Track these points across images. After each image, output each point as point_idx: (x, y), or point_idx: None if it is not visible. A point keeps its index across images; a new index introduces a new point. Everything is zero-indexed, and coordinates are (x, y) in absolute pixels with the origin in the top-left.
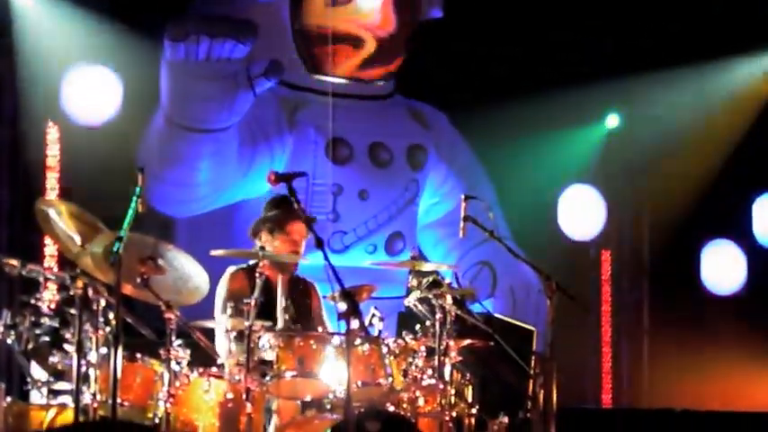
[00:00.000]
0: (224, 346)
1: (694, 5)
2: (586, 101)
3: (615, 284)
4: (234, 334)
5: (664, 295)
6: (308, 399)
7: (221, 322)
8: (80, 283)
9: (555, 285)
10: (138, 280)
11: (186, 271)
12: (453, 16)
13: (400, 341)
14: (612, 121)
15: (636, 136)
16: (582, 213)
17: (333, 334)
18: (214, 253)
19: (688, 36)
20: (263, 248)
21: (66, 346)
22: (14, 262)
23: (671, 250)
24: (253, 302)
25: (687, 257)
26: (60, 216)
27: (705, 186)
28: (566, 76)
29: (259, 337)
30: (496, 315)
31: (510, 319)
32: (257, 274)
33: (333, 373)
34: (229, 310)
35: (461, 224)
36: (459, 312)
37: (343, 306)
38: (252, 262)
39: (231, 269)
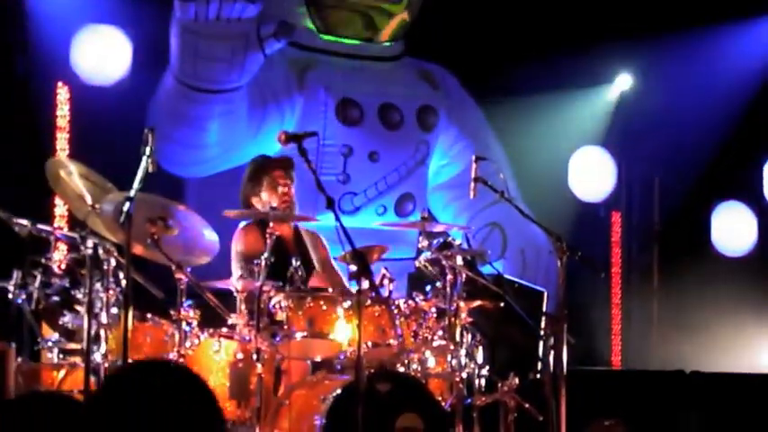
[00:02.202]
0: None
1: None
2: (598, 62)
3: (625, 246)
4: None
5: (674, 257)
6: (318, 359)
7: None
8: (90, 243)
9: (565, 246)
10: (149, 240)
11: (196, 231)
12: None
13: (411, 302)
14: (624, 82)
15: (647, 97)
16: (592, 175)
17: (343, 294)
18: (227, 213)
19: None
20: (274, 208)
21: (76, 307)
22: (25, 222)
23: (681, 211)
24: (263, 262)
25: (697, 219)
26: (71, 176)
27: (716, 148)
28: (577, 37)
29: (270, 298)
30: (507, 276)
31: (520, 281)
32: (268, 234)
33: (343, 334)
34: (239, 271)
35: (472, 185)
36: (469, 273)
37: (353, 267)
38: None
39: (242, 224)
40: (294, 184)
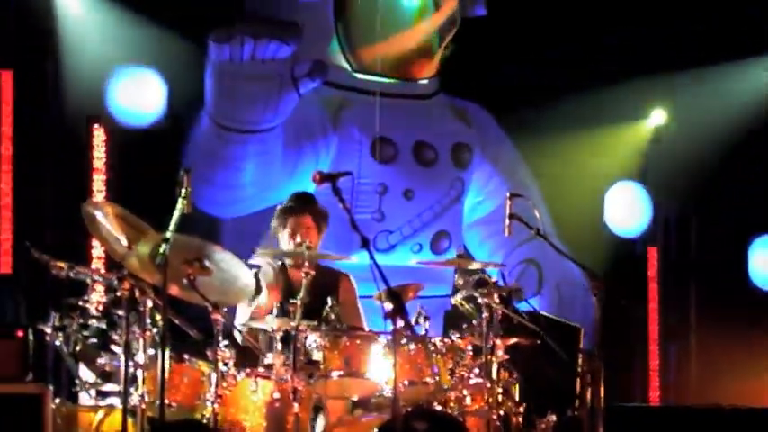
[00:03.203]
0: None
1: (740, 1)
2: (632, 97)
3: (662, 281)
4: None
5: (711, 292)
6: (354, 398)
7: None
8: (127, 285)
9: (601, 283)
10: (185, 281)
11: (232, 272)
12: (497, 13)
13: (447, 340)
14: (658, 117)
15: (682, 132)
16: (628, 210)
17: (379, 333)
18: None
19: (734, 31)
20: (309, 247)
21: (113, 348)
22: (62, 264)
23: (718, 246)
24: (299, 302)
25: (735, 254)
26: (107, 218)
27: (752, 182)
28: (611, 72)
29: (306, 338)
30: (543, 313)
31: (556, 317)
32: (303, 274)
33: (380, 373)
34: (275, 311)
35: (507, 222)
36: (505, 310)
37: (389, 305)
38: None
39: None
40: (322, 229)
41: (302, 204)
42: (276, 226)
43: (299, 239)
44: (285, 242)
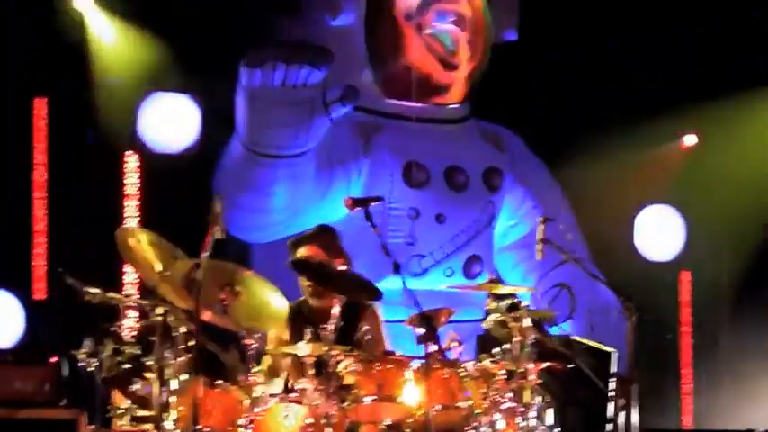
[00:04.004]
0: None
1: None
2: (664, 121)
3: (695, 305)
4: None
5: (743, 315)
6: (387, 423)
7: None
8: (160, 311)
9: (634, 307)
10: (218, 306)
11: (264, 297)
12: (528, 38)
13: (479, 364)
14: (690, 140)
15: (714, 156)
16: (660, 234)
17: (412, 358)
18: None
19: (765, 55)
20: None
21: (147, 374)
22: (95, 290)
23: (751, 270)
24: (332, 328)
25: (767, 276)
26: (139, 244)
27: None
28: (643, 96)
29: (338, 363)
30: (575, 337)
31: (589, 341)
32: (337, 300)
33: (412, 397)
34: (308, 336)
35: (538, 246)
36: (537, 335)
37: (421, 330)
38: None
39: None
40: (336, 255)
41: (307, 236)
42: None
43: (304, 285)
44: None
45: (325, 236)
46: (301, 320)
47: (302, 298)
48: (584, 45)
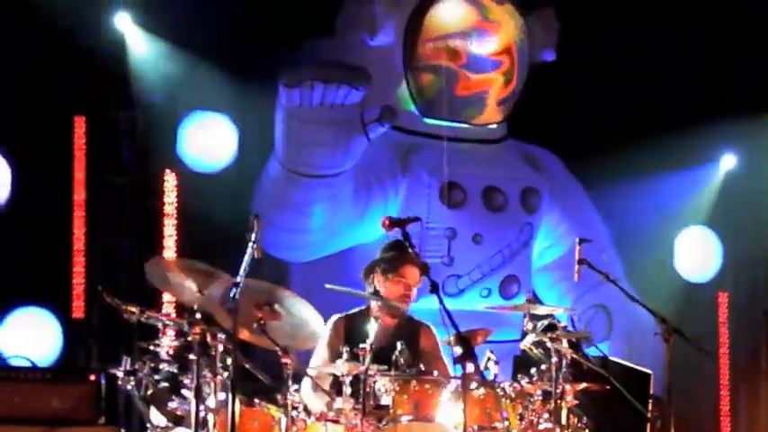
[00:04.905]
0: (308, 393)
1: None
2: (702, 142)
3: (732, 327)
4: (349, 379)
5: None
6: None
7: (314, 369)
8: (198, 329)
9: (671, 328)
10: (255, 325)
11: (302, 316)
12: (566, 58)
13: (516, 385)
14: (729, 162)
15: (753, 177)
16: (698, 255)
17: (448, 377)
18: (328, 287)
19: None
20: (376, 293)
21: (184, 392)
22: (134, 309)
23: None
24: (368, 347)
25: None
26: (171, 273)
27: None
28: (682, 117)
29: (375, 382)
30: (612, 358)
31: (626, 363)
32: (372, 318)
33: (449, 417)
34: (345, 355)
35: (576, 267)
36: (574, 356)
37: (458, 350)
38: (356, 309)
39: (333, 318)
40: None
41: (409, 255)
42: (380, 270)
43: (404, 292)
44: (384, 289)
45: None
46: (353, 336)
47: (351, 312)
48: (621, 64)
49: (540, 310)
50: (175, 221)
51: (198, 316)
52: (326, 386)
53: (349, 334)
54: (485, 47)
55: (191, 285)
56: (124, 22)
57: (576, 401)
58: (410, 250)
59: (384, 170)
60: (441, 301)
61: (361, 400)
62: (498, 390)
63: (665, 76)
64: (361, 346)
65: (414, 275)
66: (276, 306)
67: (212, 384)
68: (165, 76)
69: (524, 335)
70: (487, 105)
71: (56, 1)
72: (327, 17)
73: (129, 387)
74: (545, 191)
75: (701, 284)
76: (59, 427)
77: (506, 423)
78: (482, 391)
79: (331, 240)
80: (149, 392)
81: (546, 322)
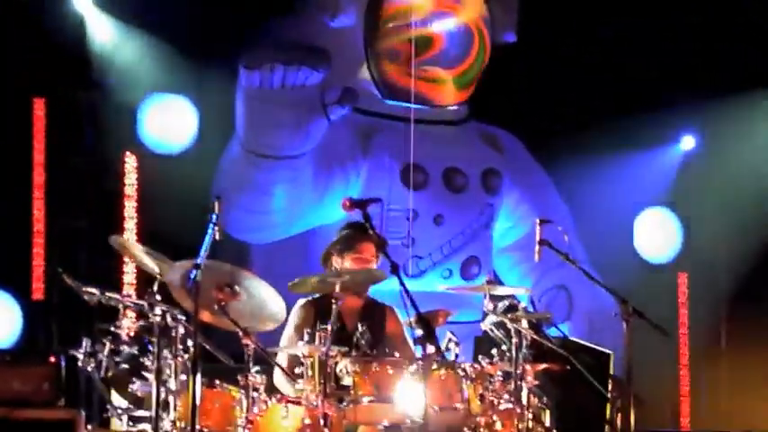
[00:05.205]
0: (280, 379)
1: None
2: (662, 123)
3: (692, 307)
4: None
5: (741, 316)
6: (385, 424)
7: (283, 352)
8: (158, 311)
9: (631, 309)
10: (216, 307)
11: (263, 297)
12: (526, 40)
13: (477, 365)
14: (688, 143)
15: (712, 158)
16: (658, 236)
17: (411, 359)
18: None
19: (765, 58)
20: (337, 271)
21: (145, 374)
22: (94, 290)
23: (748, 272)
24: (330, 328)
25: (765, 279)
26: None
27: None
28: (642, 98)
29: (336, 363)
30: (573, 339)
31: (587, 343)
32: (333, 300)
33: (410, 398)
34: (306, 337)
35: (536, 248)
36: (535, 336)
37: (419, 331)
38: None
39: (301, 301)
40: (378, 260)
41: (366, 232)
42: (339, 249)
43: (364, 265)
44: (346, 266)
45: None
46: (322, 320)
47: (317, 296)
48: (582, 45)
49: (501, 291)
50: (135, 203)
51: (158, 297)
52: (297, 370)
53: (318, 318)
54: (444, 25)
55: (153, 266)
56: (84, 4)
57: (537, 382)
58: (370, 231)
59: (345, 152)
60: (401, 283)
61: (322, 381)
62: (459, 370)
63: (626, 56)
64: (322, 327)
65: (370, 250)
66: (237, 287)
67: (173, 366)
68: (125, 57)
69: (485, 316)
70: (446, 88)
71: None
72: None
73: (89, 369)
74: (506, 172)
75: (660, 265)
76: (20, 408)
77: (467, 404)
78: (443, 371)
79: (292, 222)
80: (110, 374)
81: (506, 303)
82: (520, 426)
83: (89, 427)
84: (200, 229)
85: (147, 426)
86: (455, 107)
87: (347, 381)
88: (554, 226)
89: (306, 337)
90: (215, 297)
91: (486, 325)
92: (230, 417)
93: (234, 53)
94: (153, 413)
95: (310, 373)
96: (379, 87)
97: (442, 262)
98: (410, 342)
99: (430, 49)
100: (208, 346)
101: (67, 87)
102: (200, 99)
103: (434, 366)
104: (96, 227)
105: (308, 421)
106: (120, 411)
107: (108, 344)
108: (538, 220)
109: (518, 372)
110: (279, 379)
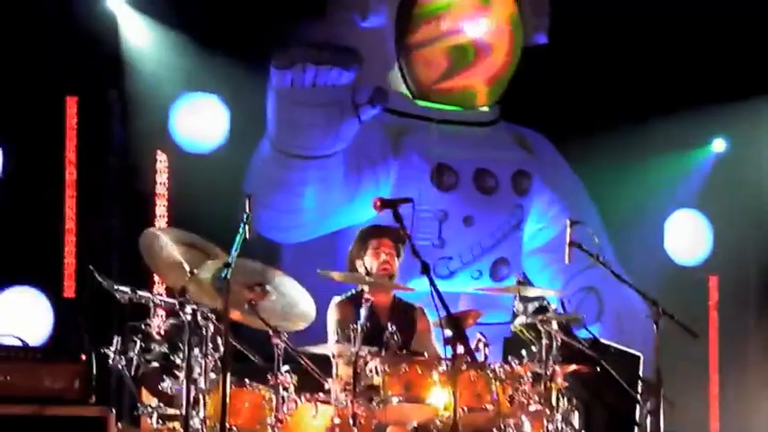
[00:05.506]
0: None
1: None
2: (693, 125)
3: (722, 310)
4: (341, 360)
5: None
6: (414, 424)
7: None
8: (189, 309)
9: (661, 310)
10: (246, 306)
11: (293, 297)
12: (558, 42)
13: (506, 366)
14: (719, 145)
15: (743, 160)
16: (689, 238)
17: (439, 359)
18: (321, 273)
19: None
20: (369, 273)
21: (175, 372)
22: (125, 289)
23: None
24: (359, 328)
25: None
26: (167, 245)
27: None
28: (673, 101)
29: (366, 363)
30: (602, 340)
31: (616, 345)
32: (363, 300)
33: (439, 399)
34: (335, 337)
35: (567, 249)
36: (565, 338)
37: (449, 331)
38: (353, 291)
39: (336, 299)
40: (401, 258)
41: (384, 228)
42: (356, 250)
43: (382, 258)
44: (367, 265)
45: (396, 231)
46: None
47: (351, 294)
48: (612, 47)
49: (531, 293)
50: (166, 202)
51: (189, 296)
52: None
53: (356, 314)
54: (477, 29)
55: (183, 263)
56: (117, 3)
57: (566, 383)
58: (401, 231)
59: (375, 152)
60: (432, 283)
61: (352, 381)
62: (489, 371)
63: (658, 59)
64: (352, 327)
65: (387, 245)
66: (267, 287)
67: (203, 364)
68: (157, 57)
69: (515, 317)
70: (477, 92)
71: None
72: None
73: (120, 367)
74: (536, 173)
75: (691, 268)
76: (50, 405)
77: (496, 404)
78: (472, 372)
79: (322, 222)
80: (140, 372)
81: (536, 304)
82: (549, 427)
83: (119, 424)
84: (230, 227)
85: (176, 424)
86: (486, 108)
87: (377, 381)
88: (584, 227)
89: (339, 337)
90: (245, 296)
91: (516, 326)
92: (260, 415)
93: (266, 53)
94: (183, 411)
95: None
96: (409, 87)
97: (471, 263)
98: (435, 343)
99: (465, 63)
100: (238, 345)
101: (100, 86)
102: (232, 98)
103: (464, 367)
104: (128, 226)
105: (337, 421)
106: (150, 409)
107: (138, 342)
108: (568, 222)
109: (548, 373)
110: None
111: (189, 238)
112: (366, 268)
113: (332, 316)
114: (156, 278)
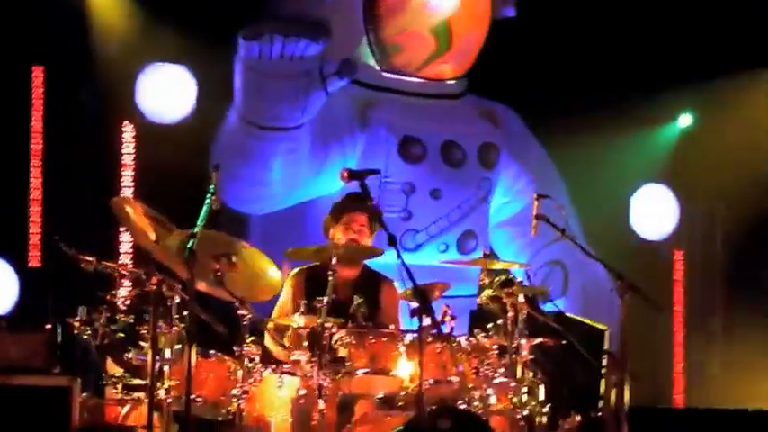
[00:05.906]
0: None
1: None
2: (660, 100)
3: (688, 284)
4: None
5: (736, 294)
6: (379, 395)
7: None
8: (154, 280)
9: (627, 284)
10: (212, 277)
11: (259, 268)
12: (526, 15)
13: (472, 339)
14: (685, 120)
15: (709, 135)
16: (655, 213)
17: (405, 331)
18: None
19: (762, 37)
20: (333, 243)
21: (140, 343)
22: (90, 258)
23: (744, 249)
24: (325, 300)
25: (761, 257)
26: (134, 215)
27: None
28: (639, 76)
29: (332, 335)
30: (568, 314)
31: (582, 318)
32: (329, 272)
33: (405, 370)
34: (302, 308)
35: (533, 223)
36: (530, 311)
37: (415, 303)
38: (315, 262)
39: (294, 270)
40: (374, 230)
41: (357, 202)
42: (331, 220)
43: (351, 236)
44: (336, 238)
45: (370, 205)
46: (313, 289)
47: (312, 264)
48: (580, 22)
49: (497, 266)
50: (133, 173)
51: (154, 267)
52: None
53: (309, 287)
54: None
55: (150, 233)
56: None
57: (532, 356)
58: (368, 202)
59: (342, 124)
60: (399, 255)
61: (317, 352)
62: (454, 344)
63: (625, 34)
64: (318, 298)
65: (359, 221)
66: (233, 258)
67: (168, 335)
68: (124, 26)
69: (481, 290)
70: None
71: None
72: None
73: (85, 337)
74: (504, 147)
75: (656, 242)
76: (16, 375)
77: (462, 377)
78: (438, 344)
79: (290, 193)
80: (105, 342)
81: (502, 277)
82: (514, 399)
83: (84, 394)
84: (198, 199)
85: (141, 394)
86: (453, 81)
87: (342, 352)
88: (551, 201)
89: (302, 308)
90: (211, 267)
91: (481, 299)
92: (225, 387)
93: (235, 24)
94: (148, 382)
95: (306, 343)
96: (377, 60)
97: (438, 236)
98: (399, 317)
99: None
100: (203, 316)
101: (66, 55)
102: (199, 69)
103: (430, 339)
104: (93, 196)
105: (302, 392)
106: (114, 380)
107: (104, 312)
108: (535, 195)
109: (513, 346)
110: (268, 344)
111: (149, 211)
112: (335, 238)
113: (285, 288)
114: (122, 249)
